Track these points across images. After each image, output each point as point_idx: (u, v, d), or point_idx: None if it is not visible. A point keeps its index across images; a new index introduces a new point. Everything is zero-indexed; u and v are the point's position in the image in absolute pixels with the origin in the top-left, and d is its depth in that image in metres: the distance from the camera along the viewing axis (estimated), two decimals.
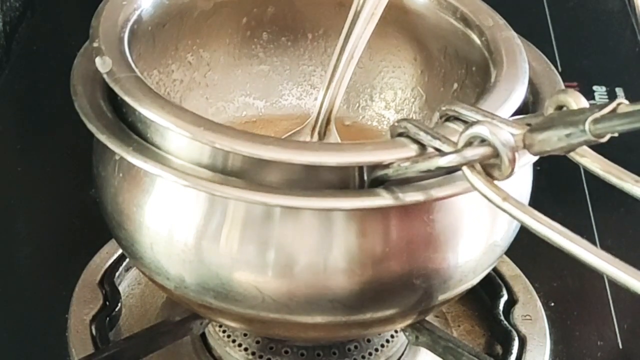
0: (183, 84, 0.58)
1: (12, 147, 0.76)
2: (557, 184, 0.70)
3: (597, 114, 0.36)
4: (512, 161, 0.38)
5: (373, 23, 0.53)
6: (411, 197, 0.43)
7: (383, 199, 0.43)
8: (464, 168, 0.40)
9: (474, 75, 0.54)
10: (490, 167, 0.39)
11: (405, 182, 0.44)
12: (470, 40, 0.54)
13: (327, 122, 0.54)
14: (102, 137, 0.46)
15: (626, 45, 0.90)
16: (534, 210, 0.38)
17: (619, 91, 0.83)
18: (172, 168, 0.45)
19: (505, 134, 0.38)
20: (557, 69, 0.53)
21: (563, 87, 0.52)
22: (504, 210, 0.39)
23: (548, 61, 0.54)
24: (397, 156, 0.43)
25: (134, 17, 0.51)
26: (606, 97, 0.82)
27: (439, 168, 0.41)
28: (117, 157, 0.48)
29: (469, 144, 0.39)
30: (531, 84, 0.51)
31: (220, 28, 0.58)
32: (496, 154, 0.39)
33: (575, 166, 0.41)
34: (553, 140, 0.38)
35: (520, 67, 0.50)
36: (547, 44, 0.87)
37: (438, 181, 0.44)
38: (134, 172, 0.48)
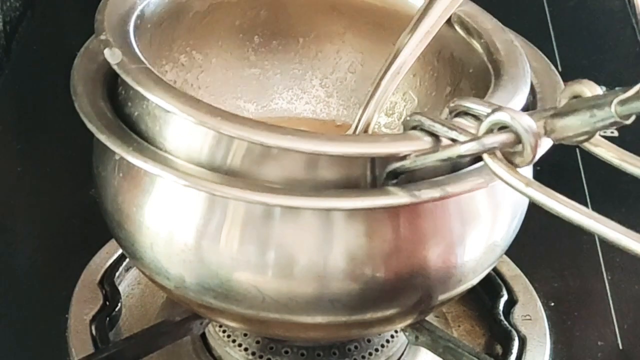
0: (176, 85, 0.58)
1: (12, 147, 0.76)
2: (557, 184, 0.69)
3: (623, 96, 0.36)
4: (535, 147, 0.38)
5: (426, 42, 0.52)
6: (425, 194, 0.43)
7: (385, 199, 0.43)
8: (485, 156, 0.39)
9: (470, 79, 0.54)
10: (511, 155, 0.39)
11: (407, 182, 0.44)
12: (468, 43, 0.54)
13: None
14: (102, 137, 0.46)
15: (626, 45, 0.90)
16: (557, 194, 0.38)
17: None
18: (172, 168, 0.45)
19: (527, 120, 0.38)
20: (557, 68, 0.53)
21: (563, 86, 0.52)
22: (528, 196, 0.38)
23: (548, 61, 0.54)
24: (414, 148, 0.43)
25: (136, 12, 0.51)
26: None
27: (460, 156, 0.41)
28: (117, 157, 0.48)
29: (489, 131, 0.39)
30: (531, 83, 0.50)
31: (213, 30, 0.58)
32: (518, 141, 0.38)
33: (576, 166, 0.41)
34: (576, 124, 0.38)
35: (521, 67, 0.50)
36: (547, 44, 0.87)
37: (448, 178, 0.44)
38: (134, 172, 0.48)
